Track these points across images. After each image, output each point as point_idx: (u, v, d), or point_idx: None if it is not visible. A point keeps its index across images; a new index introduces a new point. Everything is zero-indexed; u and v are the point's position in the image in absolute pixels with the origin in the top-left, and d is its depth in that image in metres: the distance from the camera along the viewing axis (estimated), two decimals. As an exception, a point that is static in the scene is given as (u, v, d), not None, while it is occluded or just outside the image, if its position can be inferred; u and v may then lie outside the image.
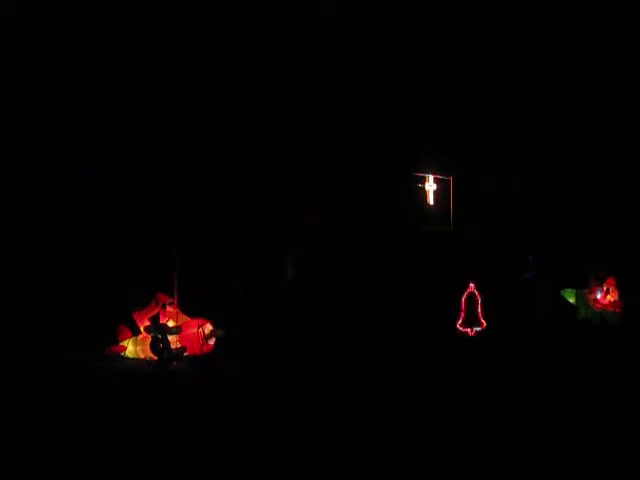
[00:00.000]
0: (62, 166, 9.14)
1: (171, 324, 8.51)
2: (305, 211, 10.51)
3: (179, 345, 8.38)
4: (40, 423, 5.70)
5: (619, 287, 11.56)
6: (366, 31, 10.88)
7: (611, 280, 11.58)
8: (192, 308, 8.76)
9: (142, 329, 8.48)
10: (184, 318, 8.67)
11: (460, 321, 10.97)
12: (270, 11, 10.16)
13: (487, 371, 8.02)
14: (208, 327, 8.65)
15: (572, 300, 11.83)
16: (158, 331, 8.28)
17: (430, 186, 12.31)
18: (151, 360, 8.23)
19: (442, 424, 5.84)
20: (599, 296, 11.57)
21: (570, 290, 11.86)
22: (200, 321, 8.61)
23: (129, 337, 8.63)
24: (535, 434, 5.58)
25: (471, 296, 11.08)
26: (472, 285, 11.10)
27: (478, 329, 10.99)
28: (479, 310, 11.05)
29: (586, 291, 11.70)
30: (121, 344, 8.60)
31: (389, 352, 8.94)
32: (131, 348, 8.58)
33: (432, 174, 12.31)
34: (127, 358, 8.50)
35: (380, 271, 11.04)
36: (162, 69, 9.57)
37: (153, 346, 8.25)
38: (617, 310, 11.44)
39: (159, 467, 4.82)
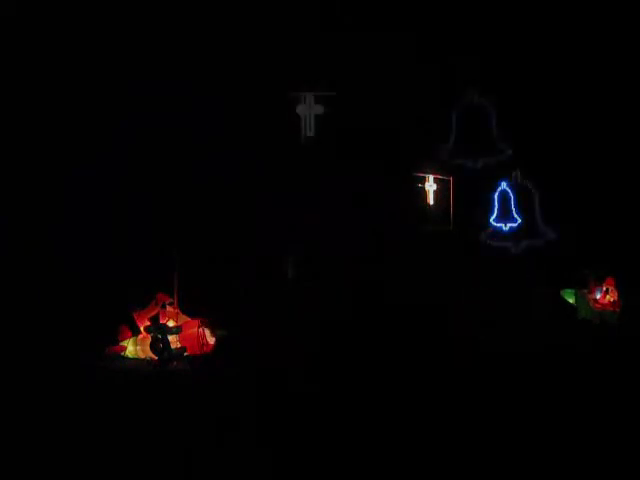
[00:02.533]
0: (62, 166, 9.14)
1: (171, 324, 8.51)
2: (305, 211, 10.51)
3: (179, 345, 8.38)
4: (40, 423, 5.70)
5: (619, 287, 11.55)
6: (366, 31, 10.87)
7: (611, 280, 11.55)
8: (192, 308, 8.76)
9: (142, 329, 8.49)
10: (184, 318, 8.68)
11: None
12: (270, 11, 10.16)
13: (487, 371, 8.01)
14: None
15: (572, 300, 11.80)
16: (158, 331, 8.29)
17: (430, 186, 12.26)
18: (151, 360, 8.23)
19: (442, 424, 5.84)
20: (599, 296, 11.55)
21: (570, 290, 11.82)
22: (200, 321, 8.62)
23: (129, 337, 8.64)
24: (535, 434, 5.59)
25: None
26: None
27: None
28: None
29: (586, 291, 11.68)
30: (121, 344, 8.60)
31: (388, 352, 8.92)
32: (131, 348, 8.58)
33: (432, 174, 12.29)
34: (127, 358, 8.50)
35: (380, 271, 11.03)
36: (162, 69, 9.57)
37: (153, 346, 8.25)
38: (617, 310, 11.42)
39: (159, 467, 4.82)
